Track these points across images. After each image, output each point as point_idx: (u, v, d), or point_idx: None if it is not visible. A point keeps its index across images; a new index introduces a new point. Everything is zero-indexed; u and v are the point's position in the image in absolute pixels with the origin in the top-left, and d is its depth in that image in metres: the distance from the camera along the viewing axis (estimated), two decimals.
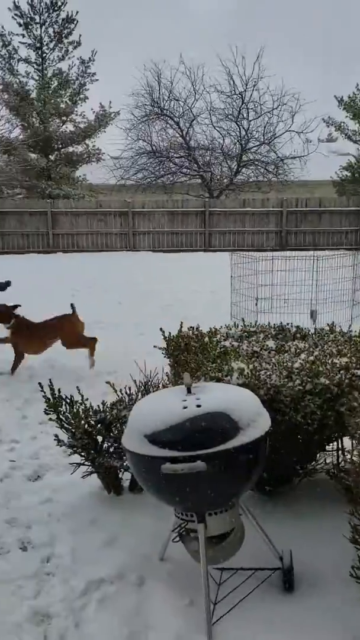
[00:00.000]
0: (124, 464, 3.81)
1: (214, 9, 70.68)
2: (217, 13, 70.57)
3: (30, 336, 7.14)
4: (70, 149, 26.47)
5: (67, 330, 7.14)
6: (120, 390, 4.04)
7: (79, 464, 3.96)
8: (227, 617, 2.79)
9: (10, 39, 24.78)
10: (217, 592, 2.91)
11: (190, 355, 4.26)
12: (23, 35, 24.76)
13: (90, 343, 7.17)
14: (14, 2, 24.39)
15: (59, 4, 24.26)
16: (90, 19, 39.87)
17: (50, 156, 26.09)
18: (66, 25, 24.64)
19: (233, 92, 27.05)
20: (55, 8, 24.29)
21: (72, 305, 7.10)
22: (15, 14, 24.50)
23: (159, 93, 26.60)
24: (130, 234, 21.68)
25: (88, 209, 21.77)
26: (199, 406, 2.64)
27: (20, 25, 24.74)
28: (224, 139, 27.79)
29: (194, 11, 71.90)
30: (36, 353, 7.23)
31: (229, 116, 27.48)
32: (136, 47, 55.76)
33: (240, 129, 27.61)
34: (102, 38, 52.93)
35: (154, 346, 4.76)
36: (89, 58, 25.32)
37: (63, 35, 24.74)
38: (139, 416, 2.83)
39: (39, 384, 4.11)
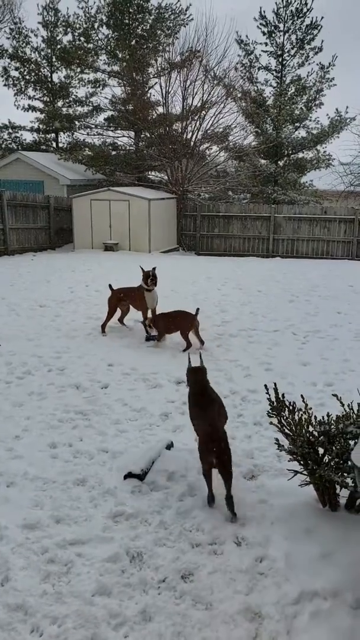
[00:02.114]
0: (345, 480, 3.71)
1: None
2: None
3: None
4: (300, 154, 26.41)
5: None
6: (349, 405, 3.94)
7: (296, 472, 3.96)
8: None
9: (254, 47, 25.68)
10: None
11: None
12: (266, 44, 25.33)
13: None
14: (260, 12, 25.13)
15: (305, 10, 24.36)
16: (332, 22, 39.28)
17: (279, 162, 26.35)
18: (309, 31, 24.64)
19: None
20: (300, 15, 24.44)
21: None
22: (261, 24, 25.24)
23: None
24: (355, 242, 20.92)
25: (312, 215, 21.53)
26: None
27: (264, 34, 25.38)
28: None
29: None
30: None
31: None
32: None
33: None
34: (344, 41, 51.79)
35: None
36: (329, 63, 24.94)
37: (305, 41, 24.79)
38: None
39: (265, 385, 4.21)
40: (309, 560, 3.35)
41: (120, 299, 8.90)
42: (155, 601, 3.15)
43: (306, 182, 27.40)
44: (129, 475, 4.42)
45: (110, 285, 9.06)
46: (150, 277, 8.59)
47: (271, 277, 15.10)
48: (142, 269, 8.82)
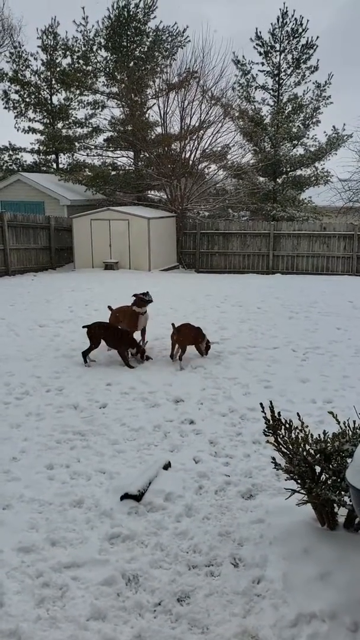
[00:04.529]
0: (342, 499, 3.67)
1: None
2: None
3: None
4: (299, 172, 26.60)
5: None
6: (345, 423, 3.91)
7: (294, 491, 3.92)
8: None
9: (250, 67, 26.04)
10: None
11: None
12: (262, 64, 25.70)
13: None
14: (256, 33, 25.55)
15: (300, 30, 24.74)
16: (327, 41, 39.84)
17: (277, 179, 26.54)
18: (305, 51, 24.99)
19: None
20: (296, 35, 24.80)
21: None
22: (257, 44, 25.62)
23: None
24: (355, 258, 20.97)
25: (311, 231, 21.62)
26: None
27: (260, 54, 25.74)
28: None
29: None
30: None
31: None
32: None
33: None
34: (340, 59, 52.45)
35: None
36: (325, 82, 25.25)
37: (301, 61, 25.13)
38: None
39: (261, 404, 4.19)
40: (307, 581, 3.30)
41: (117, 318, 8.97)
42: (151, 625, 3.10)
43: (305, 198, 27.54)
44: (125, 497, 4.38)
45: (109, 307, 9.20)
46: (142, 299, 8.75)
47: (271, 294, 15.10)
48: (136, 295, 8.90)
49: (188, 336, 8.44)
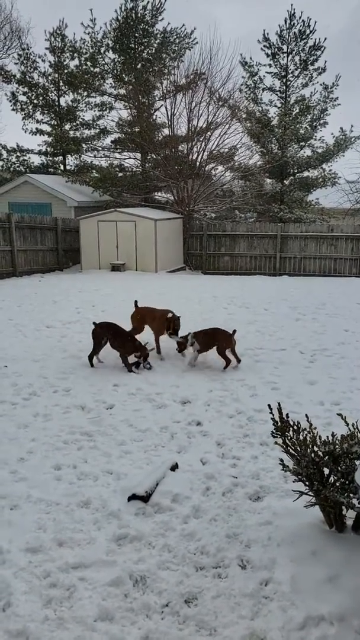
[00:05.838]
0: (350, 501, 3.65)
1: None
2: None
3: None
4: (306, 173, 26.57)
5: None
6: (353, 425, 3.89)
7: (301, 493, 3.90)
8: None
9: (258, 69, 26.05)
10: None
11: None
12: (270, 65, 25.72)
13: None
14: (264, 35, 25.56)
15: (308, 32, 24.73)
16: (334, 42, 39.76)
17: (285, 181, 26.52)
18: (313, 52, 24.97)
19: None
20: (304, 37, 24.80)
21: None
22: (264, 46, 25.63)
23: None
24: None
25: (318, 233, 21.57)
26: None
27: (268, 55, 25.74)
28: None
29: None
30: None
31: None
32: None
33: None
34: (347, 60, 52.34)
35: None
36: (333, 83, 25.21)
37: (309, 62, 25.12)
38: None
39: (269, 405, 4.17)
40: (315, 584, 3.29)
41: (140, 318, 8.96)
42: (158, 626, 3.09)
43: (312, 200, 27.50)
44: (133, 497, 4.38)
45: (135, 302, 9.30)
46: (171, 325, 8.57)
47: (278, 296, 15.07)
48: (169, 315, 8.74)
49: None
